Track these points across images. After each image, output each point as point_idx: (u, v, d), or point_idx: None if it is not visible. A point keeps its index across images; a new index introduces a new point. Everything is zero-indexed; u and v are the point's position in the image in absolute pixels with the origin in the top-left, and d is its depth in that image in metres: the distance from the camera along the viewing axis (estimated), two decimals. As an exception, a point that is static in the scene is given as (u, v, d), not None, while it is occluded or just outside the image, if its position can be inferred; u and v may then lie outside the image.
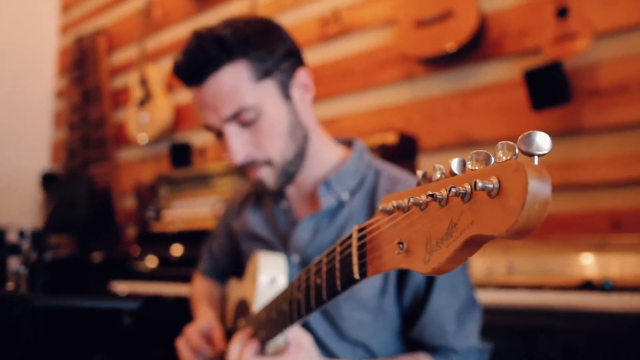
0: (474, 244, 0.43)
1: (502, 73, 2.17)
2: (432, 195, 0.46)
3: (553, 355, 1.69)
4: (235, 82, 1.01)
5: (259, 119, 1.03)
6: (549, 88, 1.90)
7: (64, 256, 3.41)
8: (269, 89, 1.04)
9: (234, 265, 1.36)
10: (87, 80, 4.05)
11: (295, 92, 1.09)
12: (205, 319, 1.22)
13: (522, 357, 1.74)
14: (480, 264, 1.75)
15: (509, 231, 0.38)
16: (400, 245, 0.52)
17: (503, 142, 0.41)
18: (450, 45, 2.14)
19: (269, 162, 1.06)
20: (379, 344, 1.05)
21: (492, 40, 2.19)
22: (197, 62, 1.02)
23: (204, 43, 1.01)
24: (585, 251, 1.61)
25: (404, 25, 2.29)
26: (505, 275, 1.68)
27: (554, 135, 2.00)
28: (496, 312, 1.57)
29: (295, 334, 0.91)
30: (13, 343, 1.18)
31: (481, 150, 0.43)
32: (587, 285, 1.49)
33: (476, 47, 2.20)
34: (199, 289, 1.44)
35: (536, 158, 0.39)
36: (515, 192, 0.37)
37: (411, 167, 2.09)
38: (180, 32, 3.51)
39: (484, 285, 1.66)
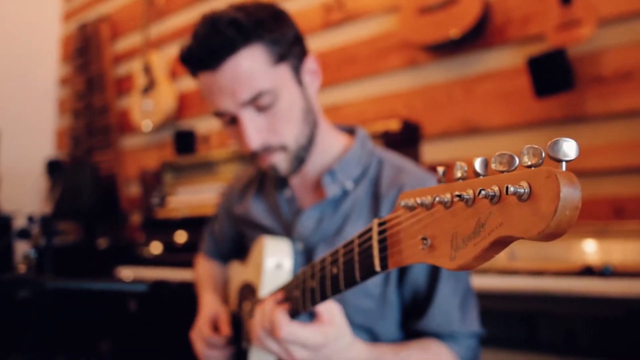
0: (501, 243, 0.46)
1: (505, 60, 2.16)
2: (459, 196, 0.48)
3: (554, 339, 1.72)
4: (253, 65, 0.99)
5: (275, 103, 1.02)
6: (552, 75, 1.90)
7: (69, 242, 3.44)
8: (284, 73, 1.04)
9: (235, 248, 1.37)
10: (90, 67, 4.06)
11: (306, 77, 1.10)
12: (210, 306, 1.25)
13: (523, 342, 1.77)
14: (482, 250, 1.76)
15: (540, 234, 0.40)
16: (424, 241, 0.54)
17: (529, 146, 0.43)
18: (454, 32, 2.14)
19: (283, 148, 1.06)
20: (382, 330, 1.07)
21: (496, 27, 2.18)
22: (213, 44, 0.99)
23: (219, 25, 0.99)
24: (587, 237, 1.63)
25: (407, 12, 2.28)
26: (507, 261, 1.70)
27: (556, 122, 2.01)
28: (498, 298, 1.59)
29: (325, 305, 0.86)
30: (23, 324, 1.21)
31: (505, 152, 0.45)
32: (587, 271, 1.51)
33: (479, 34, 2.20)
34: (202, 271, 1.46)
35: (564, 164, 0.41)
36: (547, 198, 0.39)
37: (414, 154, 2.10)
38: (183, 19, 3.50)
39: (486, 271, 1.67)
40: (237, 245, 1.36)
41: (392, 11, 2.49)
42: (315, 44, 2.74)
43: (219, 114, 1.06)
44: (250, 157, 1.11)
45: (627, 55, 1.89)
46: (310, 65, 1.10)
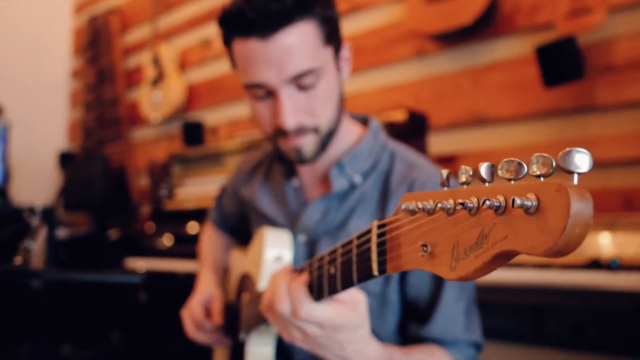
0: (504, 257, 0.43)
1: (514, 49, 2.12)
2: (462, 204, 0.46)
3: (561, 332, 1.69)
4: (306, 41, 0.95)
5: (316, 84, 0.98)
6: (561, 64, 1.86)
7: (81, 234, 3.49)
8: (328, 55, 1.01)
9: (241, 223, 1.37)
10: (101, 60, 4.08)
11: (342, 64, 1.08)
12: (206, 287, 1.26)
13: (530, 335, 1.75)
14: (489, 243, 1.74)
15: (547, 252, 0.38)
16: (424, 248, 0.52)
17: (538, 154, 0.40)
18: (466, 18, 2.10)
19: (316, 130, 1.02)
20: (381, 333, 1.04)
21: (504, 16, 2.14)
22: (271, 11, 0.92)
23: None
24: (596, 230, 1.60)
25: (414, 1, 2.25)
26: (514, 254, 1.67)
27: (566, 112, 1.97)
28: (504, 291, 1.57)
29: (350, 292, 0.80)
30: (29, 317, 1.22)
31: (513, 159, 0.43)
32: (594, 264, 1.48)
33: (488, 23, 2.16)
34: (206, 245, 1.47)
35: (575, 176, 0.38)
36: (556, 214, 0.37)
37: (420, 146, 2.08)
38: (192, 10, 3.50)
39: (491, 264, 1.65)
40: (243, 222, 1.35)
41: (398, 1, 2.46)
42: (323, 34, 2.71)
43: (254, 86, 0.99)
44: (272, 138, 1.07)
45: (638, 44, 1.84)
46: (345, 52, 1.09)
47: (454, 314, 1.00)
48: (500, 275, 1.58)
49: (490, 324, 1.74)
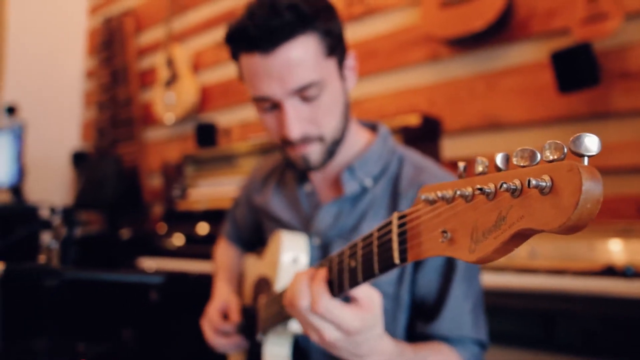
0: (521, 237, 0.46)
1: (529, 54, 2.12)
2: (481, 189, 0.48)
3: (573, 339, 1.69)
4: (307, 54, 0.98)
5: (320, 96, 1.01)
6: (577, 70, 1.85)
7: (93, 233, 3.52)
8: (331, 66, 1.04)
9: (255, 235, 1.38)
10: (115, 60, 4.12)
11: (346, 73, 1.10)
12: (222, 295, 1.28)
13: (541, 341, 1.74)
14: (502, 248, 1.74)
15: (561, 227, 0.40)
16: (444, 234, 0.54)
17: (551, 141, 0.43)
18: (479, 24, 2.11)
19: (321, 139, 1.05)
20: (392, 334, 1.04)
21: (519, 21, 2.14)
22: (272, 26, 0.95)
23: (278, 8, 0.96)
24: (609, 237, 1.59)
25: (428, 5, 2.26)
26: (527, 259, 1.67)
27: (581, 118, 1.97)
28: (517, 296, 1.57)
29: (365, 290, 0.80)
30: (46, 313, 1.24)
31: (527, 147, 0.45)
32: (609, 271, 1.48)
33: (503, 28, 2.16)
34: (220, 258, 1.48)
35: (586, 159, 0.41)
36: (569, 191, 0.40)
37: (434, 150, 2.08)
38: (206, 12, 3.52)
39: (505, 269, 1.65)
40: (257, 233, 1.37)
41: (413, 5, 2.46)
42: (336, 37, 2.72)
43: (260, 99, 1.04)
44: (280, 147, 1.11)
45: (655, 50, 1.84)
46: (350, 61, 1.11)
47: (461, 312, 1.01)
48: (513, 280, 1.58)
49: (502, 328, 1.74)
